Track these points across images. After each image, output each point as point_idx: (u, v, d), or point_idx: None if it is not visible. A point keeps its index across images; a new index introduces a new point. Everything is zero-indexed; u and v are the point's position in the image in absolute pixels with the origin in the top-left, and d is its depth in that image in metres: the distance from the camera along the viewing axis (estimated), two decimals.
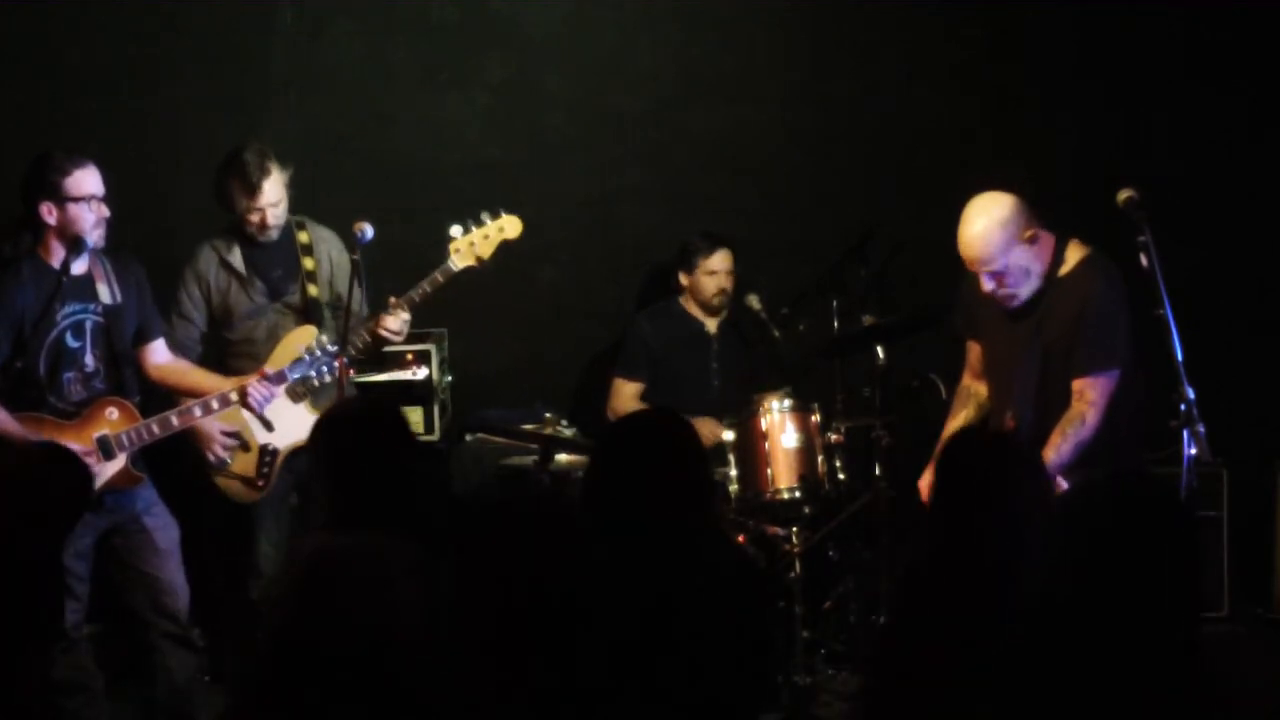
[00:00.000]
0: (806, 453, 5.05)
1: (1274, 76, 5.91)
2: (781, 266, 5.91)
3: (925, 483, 4.38)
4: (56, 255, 4.30)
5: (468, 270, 4.80)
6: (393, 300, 4.74)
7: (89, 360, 4.37)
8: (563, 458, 4.85)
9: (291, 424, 4.68)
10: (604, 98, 5.99)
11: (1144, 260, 3.84)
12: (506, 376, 5.94)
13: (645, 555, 2.88)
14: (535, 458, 4.97)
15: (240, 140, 4.85)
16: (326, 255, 4.94)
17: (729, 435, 5.15)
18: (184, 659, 4.50)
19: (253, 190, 4.72)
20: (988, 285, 4.14)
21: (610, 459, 3.11)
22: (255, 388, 4.53)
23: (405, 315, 4.74)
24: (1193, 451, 3.69)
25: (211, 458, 4.71)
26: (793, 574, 4.90)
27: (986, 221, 4.08)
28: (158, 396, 4.63)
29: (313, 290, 4.88)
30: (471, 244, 4.79)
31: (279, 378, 4.57)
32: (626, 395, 5.63)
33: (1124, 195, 3.94)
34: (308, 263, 4.90)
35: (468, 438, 5.56)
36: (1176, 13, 5.89)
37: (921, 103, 6.00)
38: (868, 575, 5.21)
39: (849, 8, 5.95)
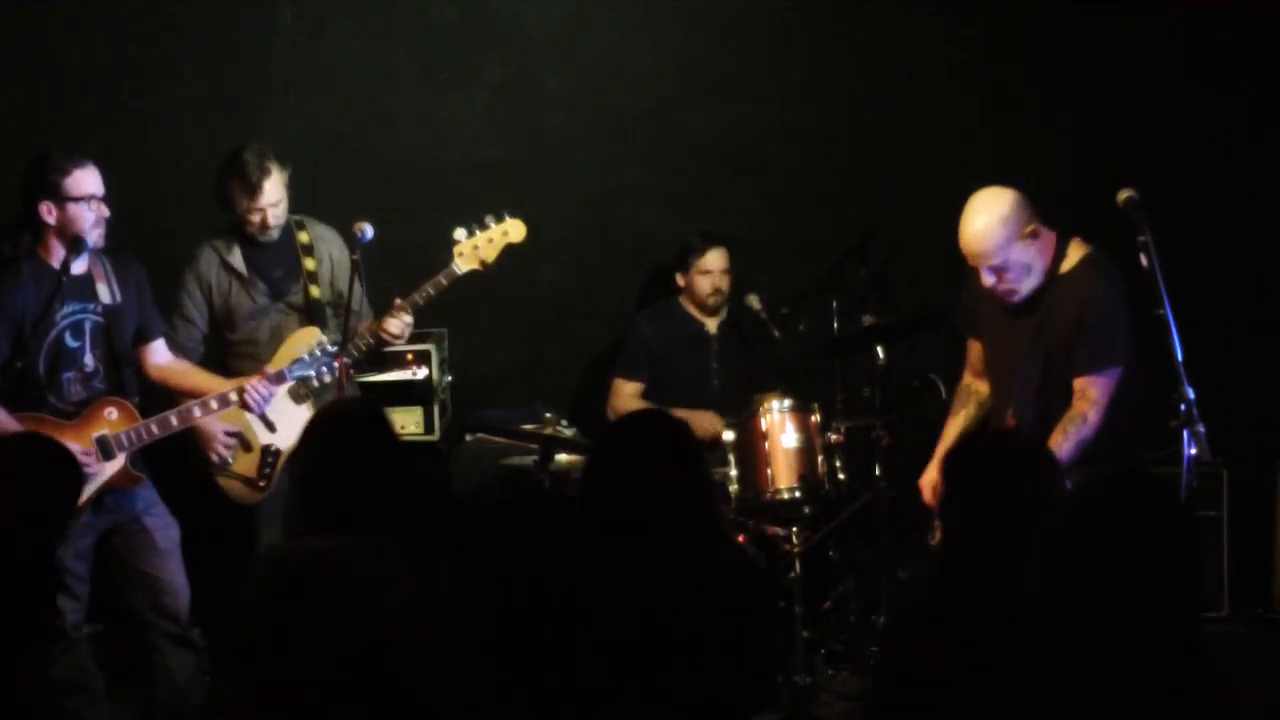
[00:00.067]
0: (806, 453, 5.04)
1: (1274, 76, 5.91)
2: (781, 266, 5.91)
3: (926, 482, 4.38)
4: (56, 255, 4.30)
5: (471, 274, 4.80)
6: (396, 302, 4.74)
7: (88, 360, 4.37)
8: (563, 458, 4.85)
9: (294, 425, 4.67)
10: (604, 98, 5.99)
11: (1144, 260, 3.84)
12: (506, 376, 5.94)
13: (645, 555, 2.88)
14: (535, 458, 4.97)
15: (240, 140, 4.85)
16: (328, 255, 4.94)
17: (729, 435, 5.15)
18: (184, 659, 4.50)
19: (253, 191, 4.72)
20: (988, 280, 4.14)
21: (610, 459, 3.11)
22: (254, 387, 4.53)
23: (408, 318, 4.74)
24: (1193, 451, 3.69)
25: (214, 457, 4.71)
26: (793, 574, 4.90)
27: (988, 216, 4.08)
28: (157, 396, 4.63)
29: (315, 291, 4.88)
30: (475, 247, 4.79)
31: (279, 378, 4.58)
32: (626, 395, 5.63)
33: (1124, 195, 3.94)
34: (309, 263, 4.90)
35: (468, 438, 5.56)
36: (1176, 13, 5.89)
37: (921, 103, 6.00)
38: (868, 575, 5.21)
39: (849, 8, 5.95)
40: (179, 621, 4.47)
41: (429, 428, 5.45)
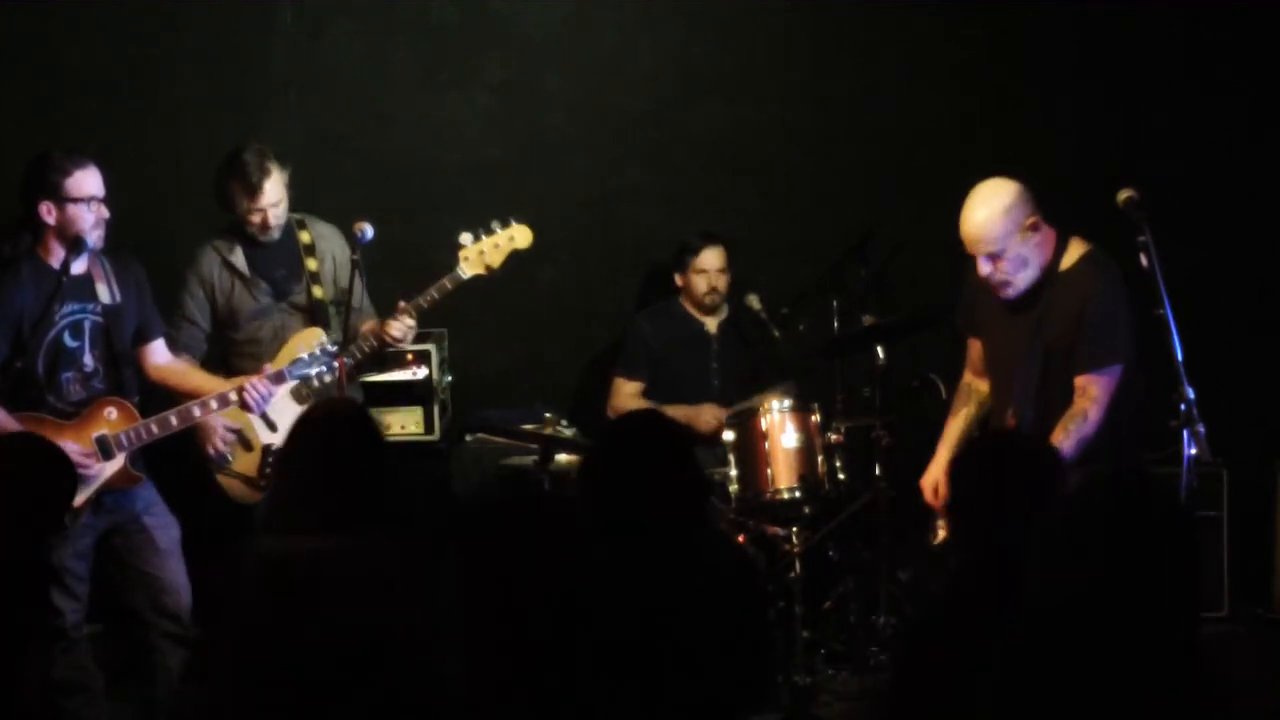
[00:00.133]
0: (806, 453, 5.04)
1: (1274, 76, 5.91)
2: (781, 266, 5.91)
3: (927, 482, 4.37)
4: (56, 255, 4.30)
5: (476, 279, 4.80)
6: (400, 305, 4.74)
7: (88, 360, 4.37)
8: (563, 458, 4.84)
9: None
10: (604, 98, 5.99)
11: (1144, 260, 3.84)
12: (506, 376, 5.94)
13: (643, 555, 2.88)
14: (535, 458, 4.97)
15: (240, 141, 4.85)
16: (330, 254, 4.93)
17: (729, 435, 5.15)
18: (184, 659, 4.49)
19: (253, 191, 4.71)
20: (984, 269, 4.14)
21: (606, 460, 3.11)
22: (253, 386, 4.53)
23: (410, 321, 4.74)
24: (1193, 451, 3.69)
25: (211, 451, 4.69)
26: (793, 574, 4.90)
27: (991, 204, 4.09)
28: (157, 396, 4.62)
29: (318, 292, 4.88)
30: (481, 252, 4.79)
31: (278, 377, 4.58)
32: (626, 394, 5.63)
33: (1124, 195, 3.94)
34: (311, 263, 4.90)
35: (468, 438, 5.56)
36: (1176, 13, 5.89)
37: (921, 103, 6.00)
38: (868, 575, 5.21)
39: (849, 8, 5.95)
40: (179, 621, 4.47)
41: (429, 428, 5.44)
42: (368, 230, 4.58)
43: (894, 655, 4.81)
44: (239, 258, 4.85)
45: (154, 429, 4.41)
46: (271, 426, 4.66)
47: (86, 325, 4.37)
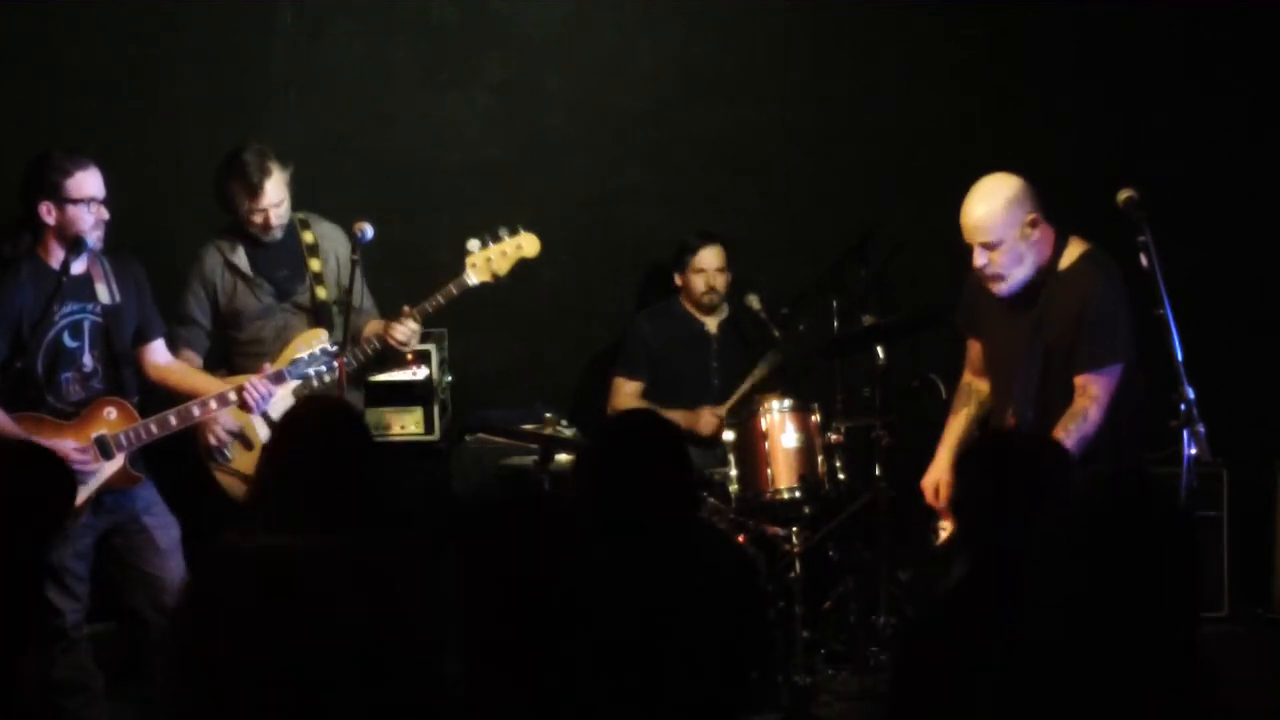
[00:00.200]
0: (806, 453, 5.04)
1: (1274, 76, 5.91)
2: (781, 266, 5.91)
3: (928, 483, 4.37)
4: (55, 255, 4.30)
5: (482, 285, 4.80)
6: (404, 310, 4.74)
7: (87, 360, 4.37)
8: (563, 458, 4.84)
9: None
10: (604, 98, 5.99)
11: (1144, 260, 3.84)
12: (506, 376, 5.94)
13: (641, 554, 2.88)
14: (535, 458, 4.97)
15: (240, 141, 4.84)
16: (333, 254, 4.93)
17: (729, 435, 5.15)
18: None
19: (254, 191, 4.71)
20: (979, 260, 4.13)
21: (603, 458, 3.11)
22: (253, 385, 4.53)
23: (415, 325, 4.74)
24: (1193, 451, 3.68)
25: (213, 440, 4.67)
26: (793, 574, 4.90)
27: (994, 196, 4.10)
28: (157, 396, 4.62)
29: (321, 293, 4.88)
30: (488, 259, 4.79)
31: (278, 377, 4.58)
32: (626, 395, 5.63)
33: (1124, 195, 3.94)
34: (314, 264, 4.90)
35: (468, 438, 5.56)
36: (1176, 13, 5.89)
37: (921, 103, 6.00)
38: (868, 575, 5.21)
39: (849, 8, 5.95)
40: None
41: (429, 428, 5.44)
42: (368, 230, 4.58)
43: (894, 655, 4.81)
44: (241, 258, 4.85)
45: (153, 429, 4.41)
46: (272, 426, 4.66)
47: (86, 325, 4.37)
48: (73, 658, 4.34)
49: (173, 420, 4.45)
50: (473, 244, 4.80)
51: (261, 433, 4.74)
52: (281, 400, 4.61)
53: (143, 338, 4.54)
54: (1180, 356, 3.73)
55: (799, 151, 6.03)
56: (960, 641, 2.60)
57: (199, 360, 4.86)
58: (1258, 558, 5.67)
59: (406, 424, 5.42)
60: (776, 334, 5.39)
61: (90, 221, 4.29)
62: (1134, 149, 5.84)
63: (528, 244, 4.85)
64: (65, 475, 3.41)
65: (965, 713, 2.40)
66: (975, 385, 4.48)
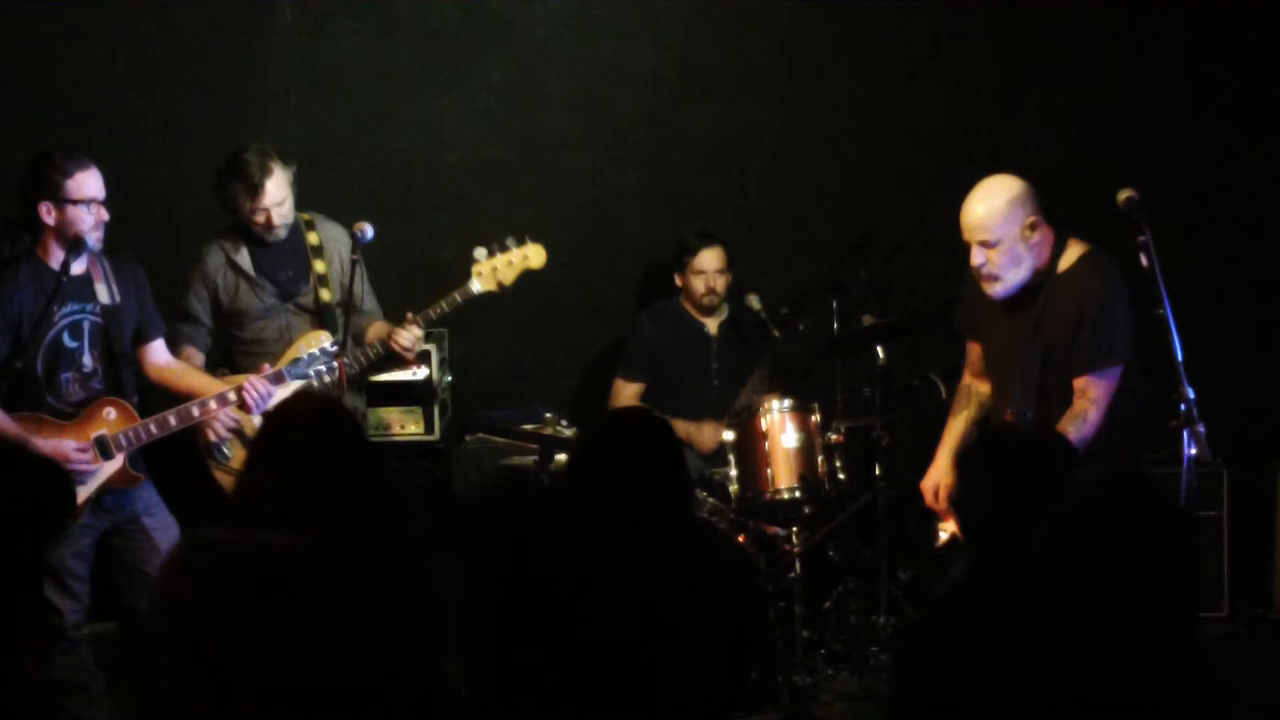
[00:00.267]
0: (806, 453, 5.04)
1: (1274, 76, 5.91)
2: (781, 266, 5.92)
3: (928, 485, 4.37)
4: (55, 255, 4.30)
5: (487, 294, 4.80)
6: (408, 316, 4.74)
7: (87, 360, 4.37)
8: (562, 458, 4.84)
9: None
10: (604, 98, 5.99)
11: (1144, 260, 3.83)
12: (506, 376, 5.94)
13: (637, 552, 2.87)
14: (535, 458, 4.97)
15: (241, 142, 4.84)
16: (338, 256, 4.92)
17: (729, 435, 5.15)
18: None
19: (255, 190, 4.70)
20: (976, 259, 4.12)
21: (601, 456, 3.11)
22: (253, 385, 4.53)
23: (418, 331, 4.74)
24: (1193, 451, 3.68)
25: (212, 436, 4.66)
26: (793, 574, 4.90)
27: (997, 195, 4.09)
28: (157, 396, 4.62)
29: (325, 295, 4.87)
30: (494, 269, 4.79)
31: (278, 378, 4.58)
32: (627, 396, 5.63)
33: (1124, 195, 3.94)
34: (319, 266, 4.89)
35: (468, 438, 5.56)
36: (1177, 13, 5.89)
37: (921, 103, 6.00)
38: (868, 575, 5.21)
39: (849, 8, 5.95)
40: None
41: (429, 428, 5.44)
42: (368, 230, 4.58)
43: (894, 655, 4.81)
44: (245, 258, 4.85)
45: (153, 429, 4.41)
46: None
47: (86, 325, 4.36)
48: (73, 658, 4.34)
49: (172, 420, 4.45)
50: (479, 252, 4.80)
51: None
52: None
53: (143, 338, 4.54)
54: (1180, 356, 3.73)
55: (799, 151, 6.03)
56: (960, 641, 2.60)
57: (201, 358, 4.86)
58: (1258, 558, 5.67)
59: (406, 424, 5.42)
60: (776, 334, 5.39)
61: (90, 222, 4.29)
62: (1134, 149, 5.84)
63: (534, 255, 4.84)
64: (62, 480, 3.40)
65: (965, 713, 2.40)
66: (975, 387, 4.47)
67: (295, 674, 2.47)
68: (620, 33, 5.97)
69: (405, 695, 2.50)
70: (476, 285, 4.78)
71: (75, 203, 4.25)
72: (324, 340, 4.70)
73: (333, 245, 4.92)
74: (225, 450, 4.73)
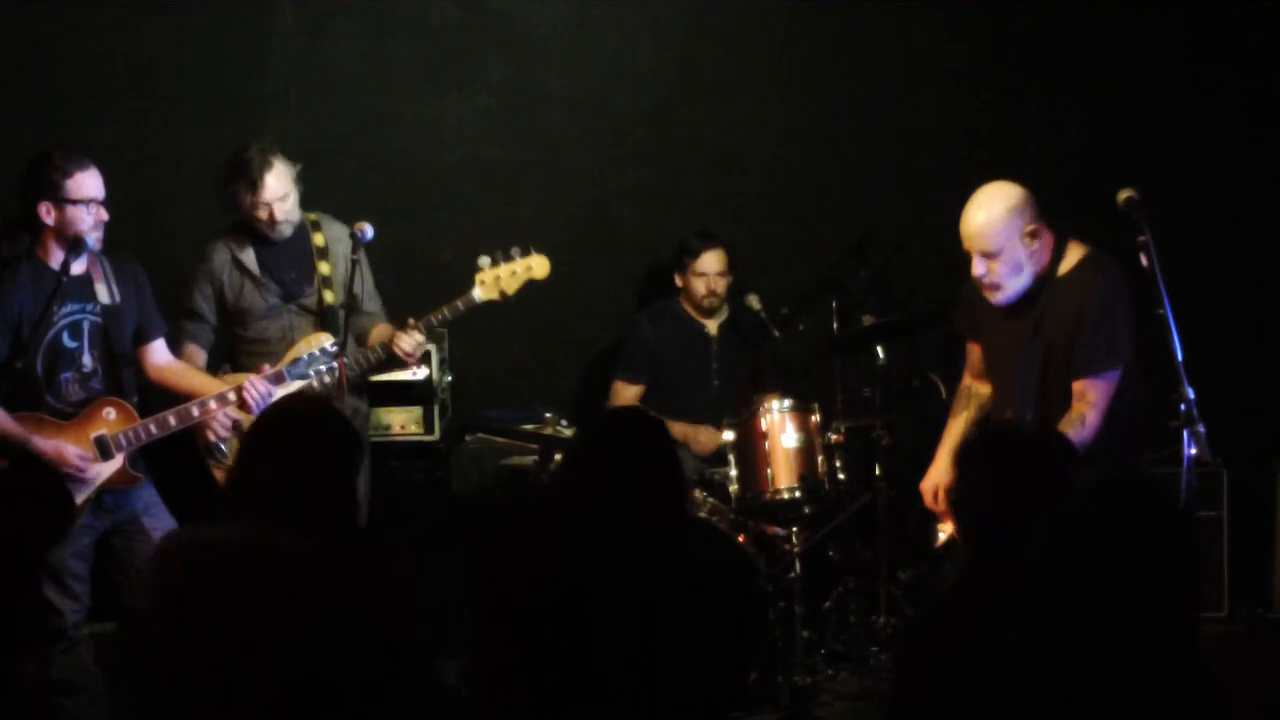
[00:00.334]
0: (806, 453, 5.04)
1: (1274, 76, 5.91)
2: (781, 266, 5.92)
3: (928, 486, 4.36)
4: (55, 255, 4.30)
5: (489, 303, 4.80)
6: (410, 321, 4.74)
7: (87, 360, 4.37)
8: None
9: None
10: (604, 98, 5.99)
11: (1144, 260, 3.83)
12: (506, 376, 5.94)
13: (642, 554, 2.88)
14: (535, 458, 4.97)
15: (242, 142, 4.84)
16: (342, 257, 4.91)
17: (729, 435, 5.15)
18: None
19: (255, 184, 4.70)
20: (977, 269, 4.12)
21: (592, 455, 3.11)
22: (252, 385, 4.53)
23: (420, 337, 4.74)
24: (1193, 451, 3.68)
25: (211, 436, 4.66)
26: (793, 574, 4.90)
27: (996, 205, 4.07)
28: (156, 396, 4.62)
29: (328, 297, 4.87)
30: (497, 278, 4.79)
31: (278, 378, 4.58)
32: (626, 398, 5.63)
33: (1124, 195, 3.93)
34: (323, 268, 4.89)
35: (468, 438, 5.56)
36: (1176, 13, 5.90)
37: (921, 102, 6.00)
38: (868, 575, 5.21)
39: (849, 8, 5.95)
40: None
41: (429, 428, 5.44)
42: (368, 230, 4.58)
43: (894, 655, 4.81)
44: (250, 257, 4.85)
45: (153, 429, 4.41)
46: None
47: (85, 326, 4.36)
48: (73, 658, 4.34)
49: (172, 421, 4.45)
50: (483, 261, 4.79)
51: None
52: None
53: (143, 338, 4.54)
54: (1180, 356, 3.73)
55: (799, 151, 6.03)
56: (960, 641, 2.60)
57: (203, 355, 4.87)
58: (1258, 558, 5.67)
59: (406, 424, 5.42)
60: (776, 334, 5.39)
61: (90, 222, 4.28)
62: (1134, 149, 5.84)
63: (538, 266, 4.84)
64: (58, 491, 3.41)
65: (965, 713, 2.40)
66: (975, 388, 4.47)
67: (280, 672, 2.47)
68: (620, 33, 5.97)
69: (401, 695, 2.50)
70: (479, 293, 4.78)
71: (75, 203, 4.25)
72: (325, 341, 4.70)
73: (337, 247, 4.91)
74: (225, 449, 4.73)
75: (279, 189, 4.73)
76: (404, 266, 5.57)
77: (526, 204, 5.91)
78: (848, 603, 5.23)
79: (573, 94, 5.97)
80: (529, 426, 4.97)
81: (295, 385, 4.63)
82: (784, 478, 5.02)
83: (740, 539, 4.89)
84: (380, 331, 4.88)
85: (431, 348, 5.44)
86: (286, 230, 4.81)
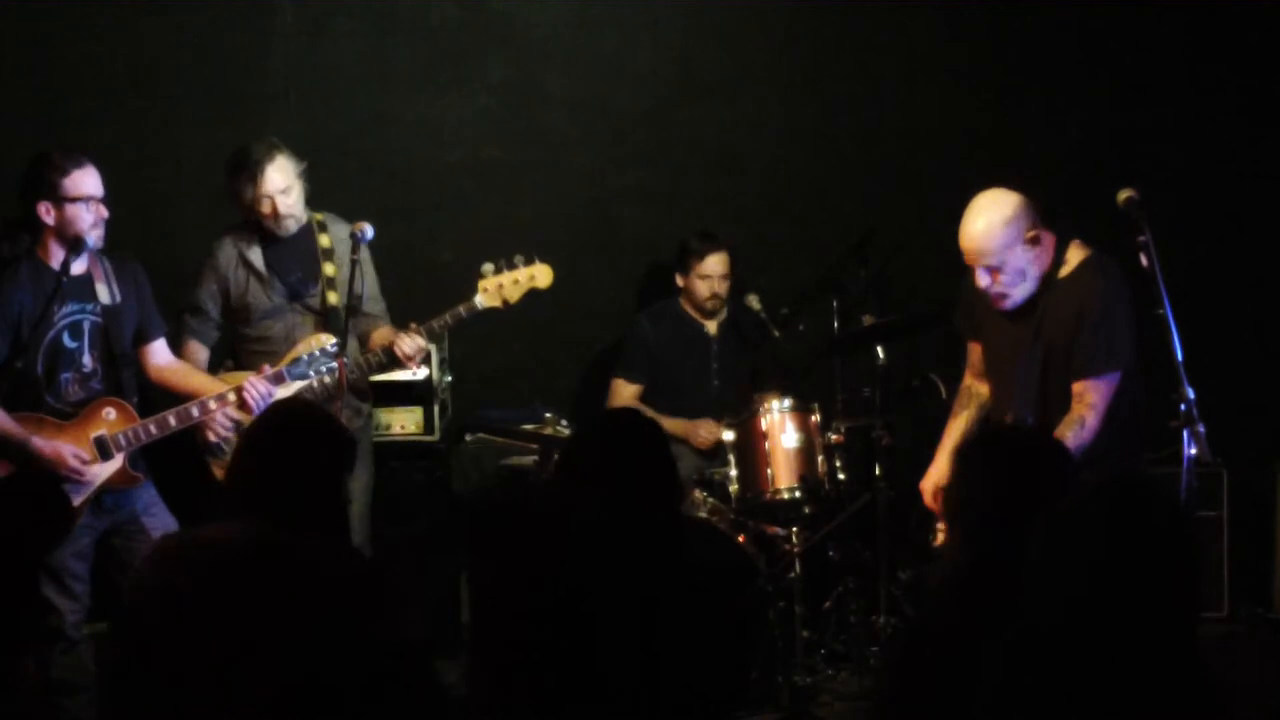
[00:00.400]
0: (806, 453, 5.04)
1: (1274, 76, 5.91)
2: (781, 266, 5.92)
3: (928, 485, 4.36)
4: (55, 255, 4.30)
5: (491, 310, 4.80)
6: (412, 326, 4.74)
7: (87, 360, 4.36)
8: None
9: None
10: (604, 98, 5.99)
11: (1144, 260, 3.83)
12: (506, 376, 5.94)
13: (642, 554, 2.87)
14: (535, 458, 4.97)
15: (242, 142, 4.84)
16: (347, 259, 4.91)
17: (729, 435, 5.15)
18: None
19: (256, 175, 4.70)
20: (982, 281, 4.12)
21: (596, 458, 3.11)
22: (252, 385, 4.53)
23: (422, 342, 4.74)
24: (1193, 451, 3.68)
25: (212, 437, 4.65)
26: (793, 574, 4.90)
27: (991, 216, 4.06)
28: (157, 396, 4.62)
29: (332, 298, 4.87)
30: (500, 285, 4.79)
31: (278, 378, 4.57)
32: (626, 397, 5.63)
33: (1124, 195, 3.93)
34: (328, 269, 4.89)
35: (468, 438, 5.56)
36: (1177, 13, 5.90)
37: (921, 103, 6.00)
38: (868, 575, 5.21)
39: (849, 8, 5.95)
40: None
41: (429, 428, 5.44)
42: (367, 230, 4.58)
43: (889, 655, 4.80)
44: (256, 254, 4.85)
45: (152, 429, 4.41)
46: None
47: (86, 326, 4.36)
48: (73, 658, 4.34)
49: (172, 421, 4.44)
50: (487, 268, 4.80)
51: None
52: None
53: (143, 338, 4.54)
54: (1180, 356, 3.73)
55: (799, 151, 6.03)
56: (960, 641, 2.60)
57: (204, 353, 4.87)
58: (1258, 558, 5.67)
59: (406, 424, 5.42)
60: (776, 334, 5.39)
61: (89, 220, 4.28)
62: (1134, 149, 5.84)
63: (541, 275, 4.84)
64: (56, 494, 3.41)
65: (964, 713, 2.40)
66: (976, 388, 4.46)
67: (280, 672, 2.48)
68: (620, 33, 5.97)
69: (401, 695, 2.50)
70: (481, 300, 4.78)
71: (74, 200, 4.25)
72: (325, 342, 4.69)
73: (343, 248, 4.91)
74: (226, 449, 4.72)
75: (281, 181, 4.73)
76: (404, 267, 5.57)
77: (526, 204, 5.91)
78: (848, 603, 5.23)
79: (573, 94, 5.97)
80: (529, 426, 4.97)
81: (295, 386, 4.63)
82: (784, 478, 5.02)
83: (740, 539, 4.89)
84: (382, 335, 4.88)
85: (431, 348, 5.43)
86: (291, 226, 4.81)
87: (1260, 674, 4.69)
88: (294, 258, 4.88)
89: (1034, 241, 4.07)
